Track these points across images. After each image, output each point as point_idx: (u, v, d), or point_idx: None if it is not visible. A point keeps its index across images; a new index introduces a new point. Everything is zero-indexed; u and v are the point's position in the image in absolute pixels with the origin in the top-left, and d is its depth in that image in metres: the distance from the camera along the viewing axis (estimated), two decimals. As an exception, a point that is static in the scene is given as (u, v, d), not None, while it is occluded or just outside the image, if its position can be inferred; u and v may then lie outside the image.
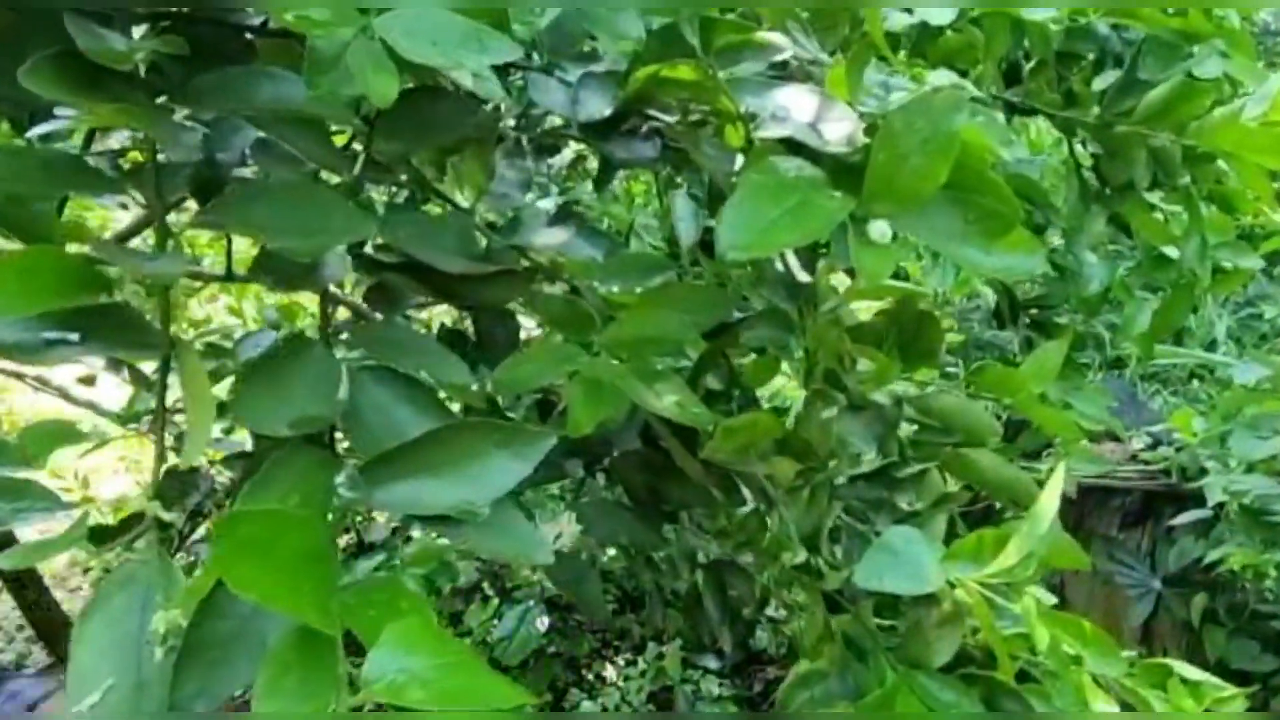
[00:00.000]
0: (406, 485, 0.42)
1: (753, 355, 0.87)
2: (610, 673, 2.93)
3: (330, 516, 0.41)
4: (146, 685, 0.41)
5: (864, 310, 0.84)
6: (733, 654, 2.61)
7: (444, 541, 2.23)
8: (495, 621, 3.00)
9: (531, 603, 2.81)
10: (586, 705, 2.75)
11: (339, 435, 0.45)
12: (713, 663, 2.54)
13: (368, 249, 0.53)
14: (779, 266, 0.63)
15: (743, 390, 0.79)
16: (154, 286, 0.45)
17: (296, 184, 0.46)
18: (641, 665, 2.83)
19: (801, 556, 0.70)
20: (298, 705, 0.38)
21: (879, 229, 0.46)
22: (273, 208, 0.44)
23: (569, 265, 0.69)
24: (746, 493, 0.95)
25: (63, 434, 0.46)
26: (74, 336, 0.41)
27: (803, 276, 0.61)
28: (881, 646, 0.65)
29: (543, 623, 2.75)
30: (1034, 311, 1.12)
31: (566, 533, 0.86)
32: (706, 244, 0.72)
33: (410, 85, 0.56)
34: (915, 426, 0.85)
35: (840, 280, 0.77)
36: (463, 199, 0.69)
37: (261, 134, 0.49)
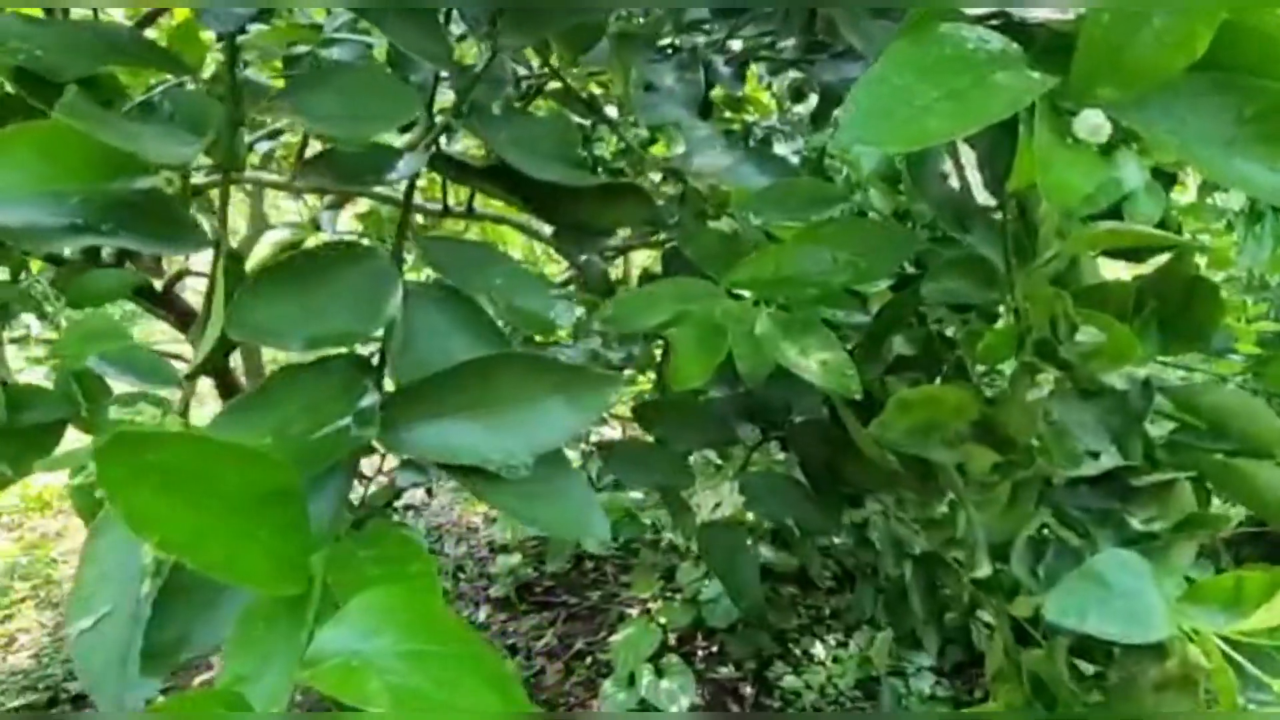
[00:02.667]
0: (436, 426, 0.35)
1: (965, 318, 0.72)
2: (819, 651, 2.80)
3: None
4: (141, 620, 0.36)
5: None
6: (937, 651, 2.40)
7: (633, 494, 2.18)
8: (706, 582, 2.96)
9: (743, 567, 2.74)
10: (790, 680, 2.65)
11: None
12: (927, 659, 2.34)
13: (454, 150, 0.46)
14: (952, 182, 0.48)
15: (940, 360, 0.65)
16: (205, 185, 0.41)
17: (355, 70, 0.40)
18: (853, 648, 2.68)
19: (988, 569, 0.56)
20: (259, 669, 0.32)
21: (1090, 123, 0.31)
22: (327, 95, 0.38)
23: (733, 195, 0.59)
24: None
25: (106, 333, 0.43)
26: (104, 225, 0.38)
27: (981, 197, 0.47)
28: (1079, 700, 0.50)
29: (752, 590, 2.67)
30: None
31: (727, 503, 0.76)
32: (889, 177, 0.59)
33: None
34: (1172, 425, 0.67)
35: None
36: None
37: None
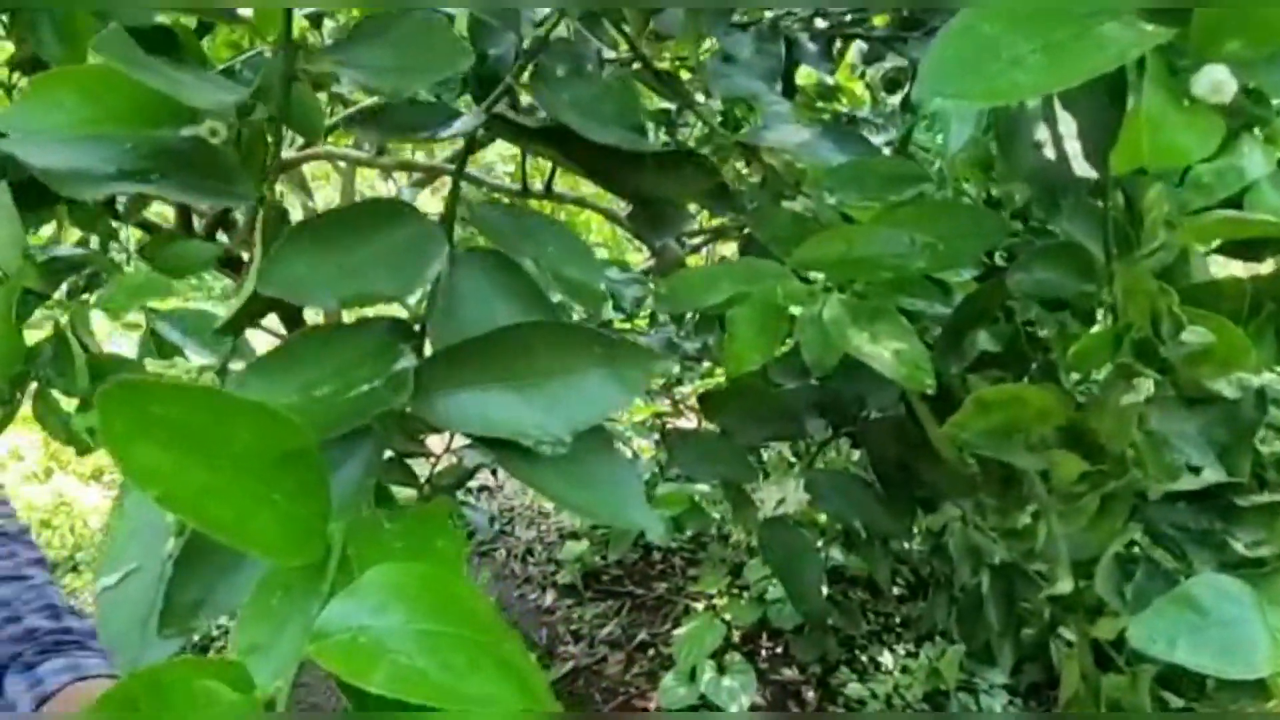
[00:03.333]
0: (471, 395, 0.33)
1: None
2: (887, 660, 2.73)
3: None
4: (165, 580, 0.36)
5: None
6: (1013, 670, 2.30)
7: (701, 487, 2.15)
8: (773, 581, 2.92)
9: (812, 569, 2.68)
10: (854, 687, 2.59)
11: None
12: (1000, 677, 2.25)
13: (510, 114, 0.44)
14: (1046, 152, 0.44)
15: (1027, 360, 0.61)
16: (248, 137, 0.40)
17: (408, 21, 0.38)
18: (923, 660, 2.61)
19: (1069, 585, 0.52)
20: (271, 639, 0.30)
21: (1212, 78, 0.27)
22: (379, 47, 0.36)
23: (809, 173, 0.55)
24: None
25: (150, 287, 0.43)
26: (151, 172, 0.37)
27: (1082, 169, 0.42)
28: (1165, 735, 0.46)
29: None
30: None
31: (792, 500, 0.73)
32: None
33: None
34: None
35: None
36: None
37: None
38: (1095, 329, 0.65)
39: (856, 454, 0.98)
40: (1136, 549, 0.56)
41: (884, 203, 0.48)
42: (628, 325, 1.64)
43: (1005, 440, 0.53)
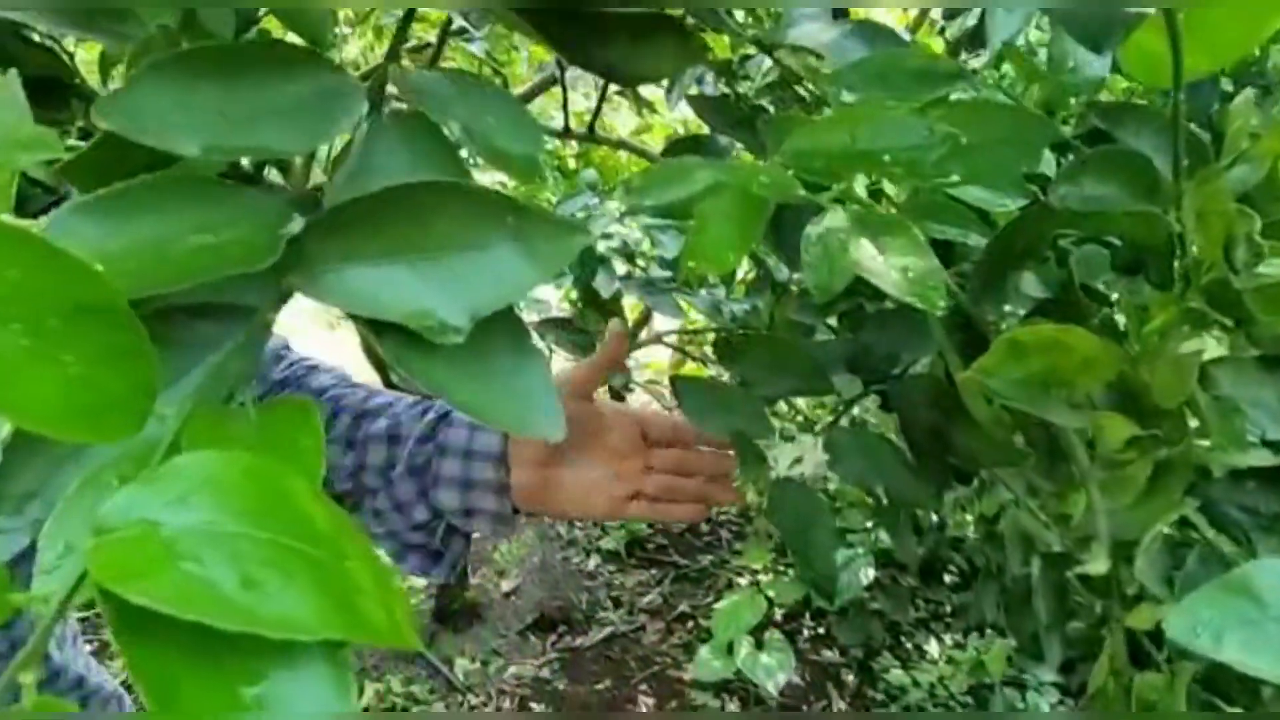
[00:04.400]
0: (358, 269, 0.27)
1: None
2: (933, 648, 2.64)
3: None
4: None
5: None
6: (1066, 668, 2.19)
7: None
8: (819, 559, 2.84)
9: (861, 550, 2.59)
10: (896, 674, 2.51)
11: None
12: (1049, 674, 2.14)
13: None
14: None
15: (1082, 314, 0.52)
16: None
17: None
18: (970, 651, 2.51)
19: (1104, 565, 0.45)
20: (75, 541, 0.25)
21: None
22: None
23: (830, 76, 0.48)
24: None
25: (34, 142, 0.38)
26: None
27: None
28: (1204, 746, 0.38)
29: (867, 574, 2.53)
30: None
31: (809, 459, 0.66)
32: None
33: None
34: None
35: None
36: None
37: None
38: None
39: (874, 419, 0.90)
40: (1190, 530, 0.48)
41: (911, 102, 0.41)
42: (673, 284, 1.57)
43: (1042, 393, 0.45)
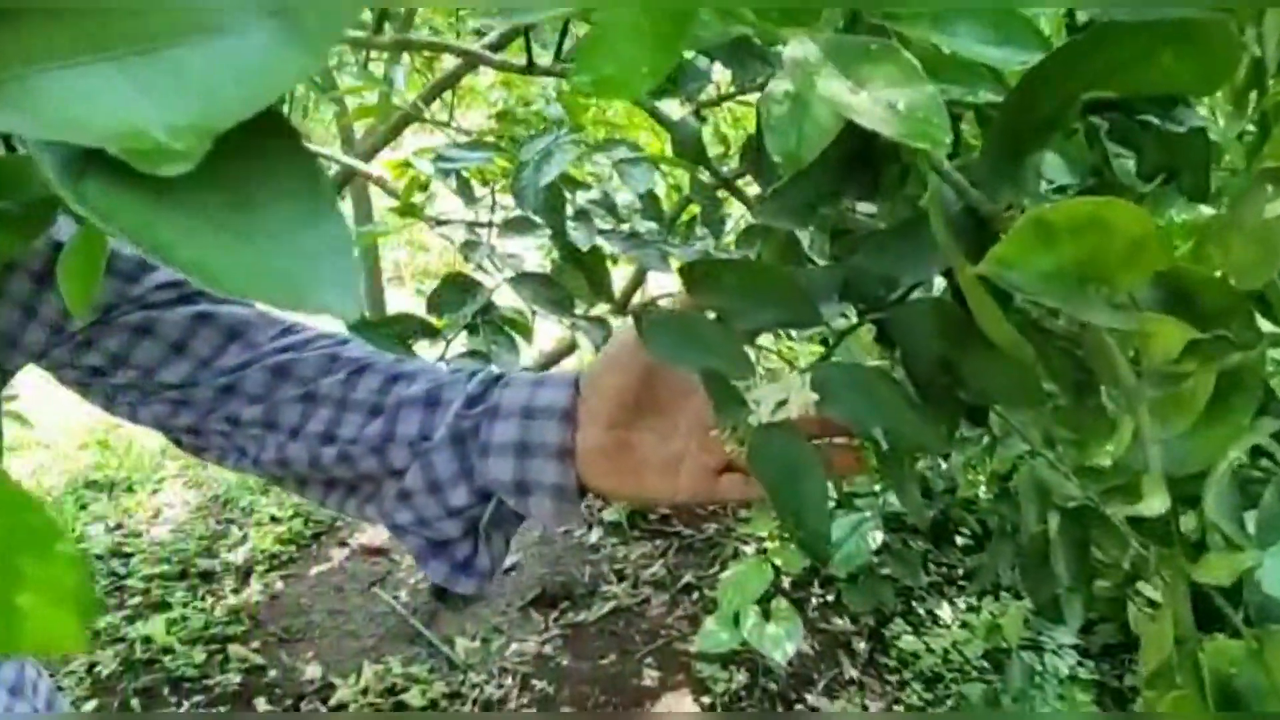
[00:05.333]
0: (50, 75, 0.18)
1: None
2: (946, 613, 2.55)
3: None
4: None
5: None
6: (1085, 629, 2.10)
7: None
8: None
9: (869, 515, 2.51)
10: (909, 640, 2.43)
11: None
12: (1068, 637, 2.06)
13: None
14: None
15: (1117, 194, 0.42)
16: None
17: None
18: (984, 614, 2.42)
19: (1162, 504, 0.35)
20: None
21: None
22: None
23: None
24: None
25: None
26: None
27: None
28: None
29: (876, 538, 2.44)
30: None
31: (795, 401, 0.56)
32: None
33: None
34: None
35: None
36: None
37: None
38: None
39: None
40: (1268, 462, 0.39)
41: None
42: (663, 237, 1.47)
43: (1077, 290, 0.35)
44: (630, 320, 0.59)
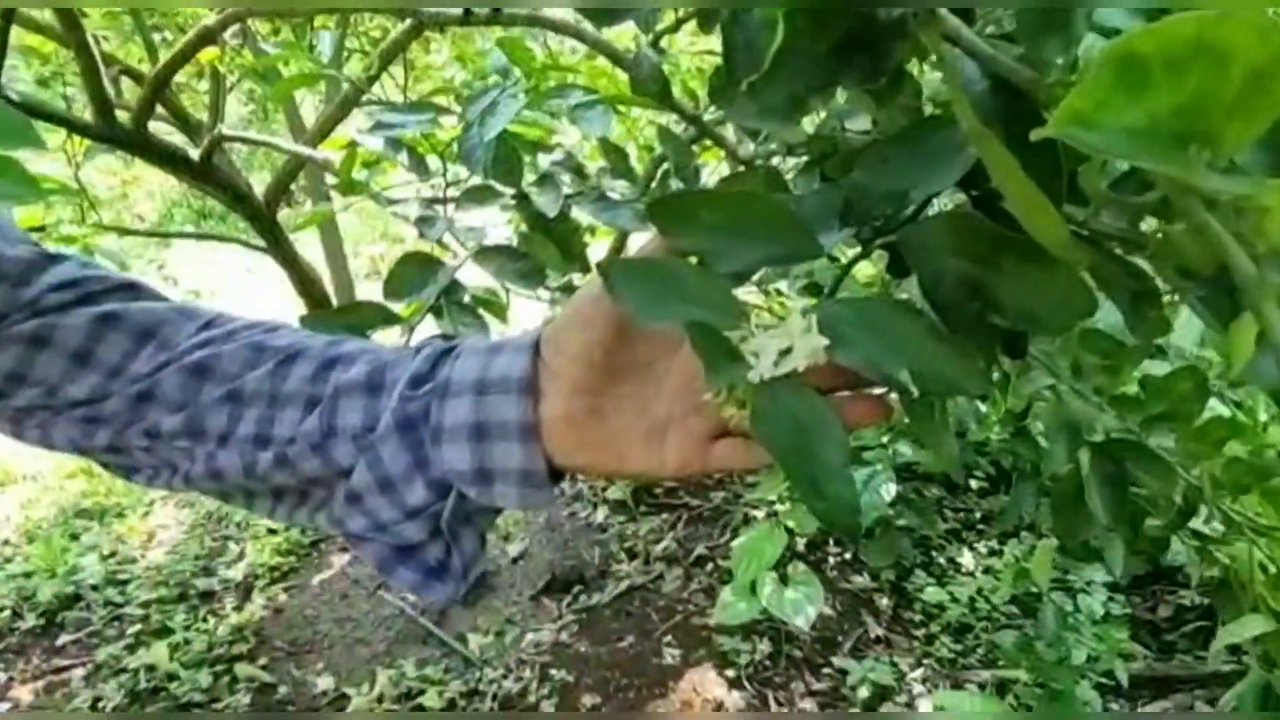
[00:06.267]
0: None
1: None
2: (968, 560, 2.48)
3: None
4: None
5: None
6: (1128, 565, 2.02)
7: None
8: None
9: (879, 467, 2.42)
10: (932, 592, 2.35)
11: None
12: (1100, 574, 1.98)
13: None
14: None
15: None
16: None
17: None
18: (1008, 556, 2.35)
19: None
20: None
21: None
22: None
23: None
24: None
25: None
26: None
27: None
28: None
29: (889, 490, 2.35)
30: None
31: (802, 348, 0.47)
32: None
33: None
34: None
35: None
36: None
37: None
38: None
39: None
40: None
41: None
42: (631, 196, 1.37)
43: (1174, 148, 0.26)
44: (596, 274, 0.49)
